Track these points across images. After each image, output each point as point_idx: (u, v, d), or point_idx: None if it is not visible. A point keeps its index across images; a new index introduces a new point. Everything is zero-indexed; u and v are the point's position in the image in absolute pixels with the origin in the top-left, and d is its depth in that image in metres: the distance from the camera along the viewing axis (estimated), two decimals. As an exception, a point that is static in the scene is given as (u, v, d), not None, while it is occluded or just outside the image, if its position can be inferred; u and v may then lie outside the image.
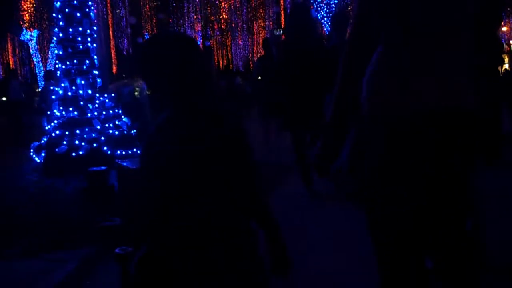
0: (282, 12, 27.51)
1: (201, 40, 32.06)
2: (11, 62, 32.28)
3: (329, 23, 10.23)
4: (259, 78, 8.25)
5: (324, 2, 19.52)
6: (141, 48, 1.50)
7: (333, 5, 19.39)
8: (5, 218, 4.62)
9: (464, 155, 1.67)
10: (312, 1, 18.22)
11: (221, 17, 30.75)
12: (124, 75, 16.56)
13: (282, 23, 28.59)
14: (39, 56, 24.65)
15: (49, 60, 24.31)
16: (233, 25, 29.96)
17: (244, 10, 30.01)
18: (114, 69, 29.97)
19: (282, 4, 27.73)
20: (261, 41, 22.70)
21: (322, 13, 19.43)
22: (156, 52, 1.46)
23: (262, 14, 30.59)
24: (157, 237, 1.47)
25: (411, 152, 1.62)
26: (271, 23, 29.69)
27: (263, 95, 7.59)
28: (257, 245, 1.49)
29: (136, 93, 10.92)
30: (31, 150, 7.44)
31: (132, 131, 7.60)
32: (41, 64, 24.43)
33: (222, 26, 30.32)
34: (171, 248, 1.45)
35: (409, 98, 1.62)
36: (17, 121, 11.78)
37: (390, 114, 1.63)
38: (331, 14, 17.66)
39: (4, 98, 15.82)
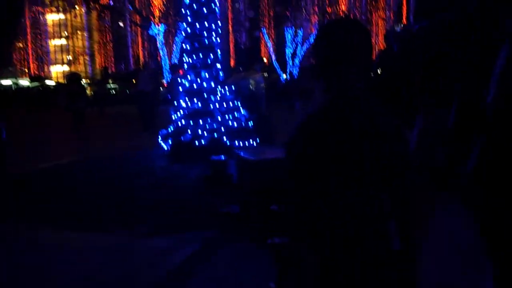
0: (404, 2, 26.30)
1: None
2: (141, 55, 35.16)
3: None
4: (379, 71, 8.02)
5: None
6: (318, 33, 1.51)
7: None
8: (136, 199, 5.10)
9: None
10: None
11: (339, 8, 30.29)
12: (241, 69, 17.11)
13: (404, 14, 27.34)
14: (165, 49, 26.51)
15: (173, 54, 26.05)
16: (351, 16, 29.33)
17: (363, 0, 29.24)
18: (232, 63, 31.16)
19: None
20: (380, 33, 21.98)
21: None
22: (328, 36, 1.47)
23: (382, 4, 29.54)
24: (312, 232, 1.45)
25: None
26: (391, 13, 28.59)
27: (380, 89, 7.37)
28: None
29: (252, 87, 11.27)
30: (159, 138, 8.07)
31: (249, 123, 7.88)
32: (166, 57, 26.27)
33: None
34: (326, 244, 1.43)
35: None
36: (147, 110, 12.71)
37: None
38: None
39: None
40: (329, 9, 30.98)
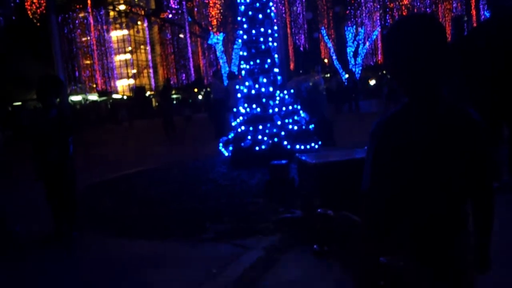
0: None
1: (380, 30, 31.09)
2: (201, 65, 35.99)
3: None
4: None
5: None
6: (388, 31, 1.47)
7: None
8: (199, 206, 5.16)
9: None
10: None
11: (401, 3, 29.27)
12: (301, 71, 17.06)
13: (473, 4, 25.98)
14: (225, 57, 26.94)
15: (232, 61, 26.43)
16: (415, 10, 28.23)
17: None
18: (292, 66, 31.08)
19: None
20: (447, 26, 20.99)
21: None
22: (402, 34, 1.42)
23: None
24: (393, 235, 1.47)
25: None
26: (459, 4, 27.26)
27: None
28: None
29: (312, 89, 11.14)
30: (220, 144, 8.16)
31: (310, 126, 7.76)
32: (226, 65, 26.69)
33: (403, 13, 28.85)
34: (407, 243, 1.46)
35: None
36: (222, 118, 12.87)
37: None
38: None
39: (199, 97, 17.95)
40: (391, 5, 30.03)
